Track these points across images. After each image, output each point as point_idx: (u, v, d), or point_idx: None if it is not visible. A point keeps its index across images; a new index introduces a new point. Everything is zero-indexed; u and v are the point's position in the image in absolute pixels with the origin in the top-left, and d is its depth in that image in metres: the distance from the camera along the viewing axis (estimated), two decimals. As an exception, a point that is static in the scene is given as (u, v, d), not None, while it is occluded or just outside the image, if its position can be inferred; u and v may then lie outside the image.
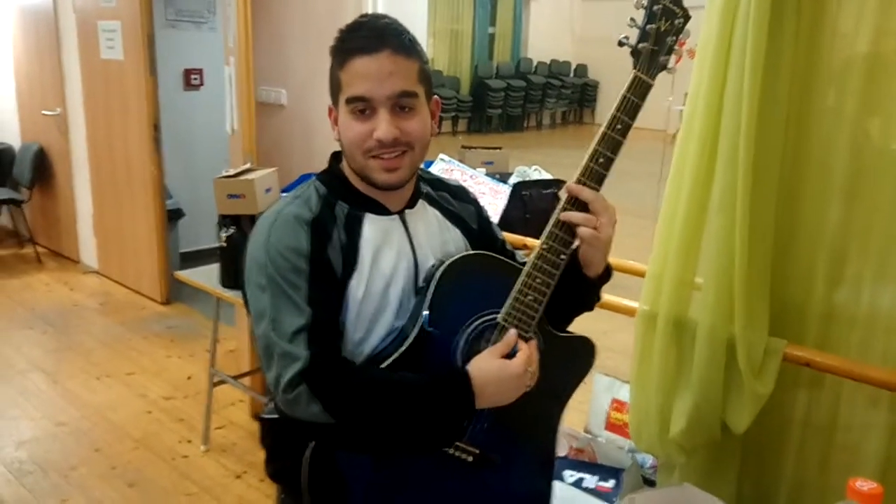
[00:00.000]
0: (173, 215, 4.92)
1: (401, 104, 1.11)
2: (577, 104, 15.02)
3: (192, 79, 5.37)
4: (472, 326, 1.17)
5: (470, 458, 1.17)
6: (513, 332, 1.14)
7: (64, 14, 4.96)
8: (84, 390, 3.52)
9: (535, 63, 14.38)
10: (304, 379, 1.05)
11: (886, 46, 1.78)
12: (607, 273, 1.25)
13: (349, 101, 1.11)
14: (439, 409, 1.10)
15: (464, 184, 1.44)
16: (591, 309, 1.33)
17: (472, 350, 1.16)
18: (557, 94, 14.53)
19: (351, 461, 1.13)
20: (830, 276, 1.86)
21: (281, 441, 1.18)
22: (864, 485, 1.20)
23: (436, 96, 1.20)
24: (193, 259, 3.89)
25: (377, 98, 1.10)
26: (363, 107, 1.11)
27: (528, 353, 1.13)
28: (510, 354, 1.13)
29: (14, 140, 5.72)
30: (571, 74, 14.94)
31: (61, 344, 4.10)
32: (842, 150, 1.81)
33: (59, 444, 3.06)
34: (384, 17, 1.17)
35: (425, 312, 1.13)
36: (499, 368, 1.11)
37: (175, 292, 4.69)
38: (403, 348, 1.13)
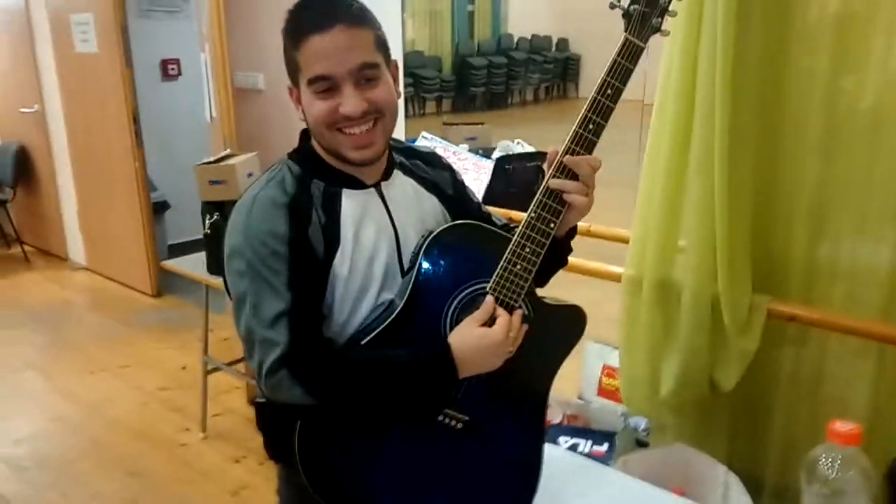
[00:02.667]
0: (159, 207, 4.89)
1: (364, 76, 1.10)
2: (559, 79, 14.97)
3: (169, 69, 5.32)
4: (460, 297, 1.17)
5: (459, 426, 1.18)
6: (489, 299, 1.14)
7: (36, 9, 4.90)
8: (79, 385, 3.53)
9: (516, 39, 14.31)
10: (284, 364, 1.06)
11: (856, 5, 1.79)
12: (574, 229, 1.25)
13: (311, 81, 1.10)
14: (422, 384, 1.11)
15: (448, 160, 1.44)
16: (565, 264, 1.32)
17: (460, 321, 1.16)
18: (540, 70, 14.47)
19: (340, 436, 1.15)
20: (811, 232, 1.88)
21: (275, 423, 1.18)
22: (844, 426, 1.22)
23: (395, 59, 1.19)
24: (182, 250, 3.88)
25: (339, 75, 1.08)
26: (326, 86, 1.09)
27: (506, 318, 1.13)
28: (490, 322, 1.13)
29: (-7, 139, 5.68)
30: (553, 49, 14.88)
31: (54, 341, 4.10)
32: (816, 108, 1.82)
33: (58, 440, 3.07)
34: None
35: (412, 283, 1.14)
36: (479, 337, 1.11)
37: (165, 284, 4.68)
38: (390, 320, 1.13)
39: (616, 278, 2.05)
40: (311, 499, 1.15)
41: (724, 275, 1.83)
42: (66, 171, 5.11)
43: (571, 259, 1.33)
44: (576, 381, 2.67)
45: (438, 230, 1.17)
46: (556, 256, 1.27)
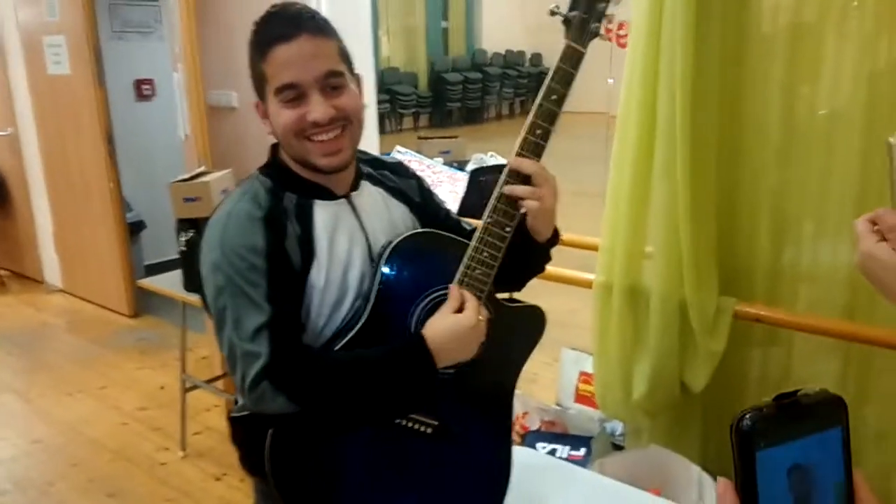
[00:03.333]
0: (135, 227, 4.87)
1: (330, 84, 1.13)
2: (534, 93, 15.09)
3: (143, 89, 5.32)
4: (424, 302, 1.20)
5: (429, 430, 1.21)
6: (454, 286, 1.17)
7: (7, 31, 4.89)
8: (57, 407, 3.50)
9: (490, 54, 14.44)
10: (266, 375, 1.07)
11: (808, 16, 1.86)
12: (554, 237, 1.28)
13: (278, 90, 1.12)
14: (402, 377, 1.13)
15: (422, 173, 1.46)
16: (542, 270, 1.36)
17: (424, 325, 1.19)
18: (514, 84, 14.61)
19: (308, 445, 1.16)
20: (774, 235, 1.94)
21: (251, 436, 1.19)
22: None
23: (358, 73, 1.22)
24: (159, 269, 3.87)
25: (306, 82, 1.11)
26: (293, 94, 1.12)
27: (475, 303, 1.16)
28: (460, 310, 1.16)
29: (-34, 163, 5.63)
30: (527, 63, 15.03)
31: (31, 364, 4.05)
32: (775, 115, 1.89)
33: (36, 462, 3.04)
34: (294, 3, 1.17)
35: (376, 287, 1.17)
36: (452, 323, 1.13)
37: (142, 304, 4.65)
38: (358, 327, 1.16)
39: (588, 285, 2.10)
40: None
41: (689, 279, 1.88)
42: (41, 193, 5.08)
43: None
44: (553, 388, 2.71)
45: (397, 239, 1.20)
46: (532, 261, 1.31)
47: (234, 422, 1.24)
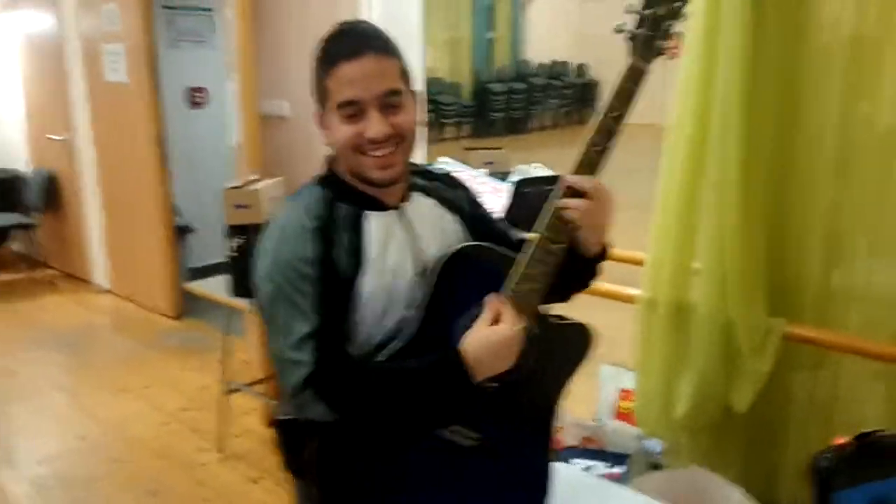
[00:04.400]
0: (182, 232, 4.98)
1: (389, 102, 1.15)
2: (578, 104, 15.03)
3: (195, 97, 5.44)
4: (472, 317, 1.19)
5: (471, 444, 1.21)
6: (491, 297, 1.16)
7: (69, 39, 5.05)
8: (102, 406, 3.58)
9: (535, 65, 14.43)
10: (309, 383, 1.10)
11: (870, 28, 1.81)
12: (604, 251, 1.27)
13: (340, 106, 1.15)
14: (439, 391, 1.14)
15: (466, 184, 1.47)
16: (587, 286, 1.35)
17: None
18: (559, 95, 14.55)
19: (355, 453, 1.17)
20: (826, 254, 1.89)
21: (295, 439, 1.22)
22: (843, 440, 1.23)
23: (417, 89, 1.24)
24: (204, 274, 3.93)
25: (366, 100, 1.14)
26: (353, 111, 1.14)
27: (511, 313, 1.15)
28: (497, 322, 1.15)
29: (23, 166, 5.82)
30: (572, 74, 14.97)
31: (78, 362, 4.16)
32: (831, 130, 1.84)
33: (80, 459, 3.12)
34: (363, 22, 1.21)
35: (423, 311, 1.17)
36: (488, 335, 1.13)
37: (187, 307, 4.75)
38: (407, 338, 1.17)
39: (629, 300, 2.07)
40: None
41: (738, 297, 1.84)
42: (93, 197, 5.23)
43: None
44: (591, 404, 2.68)
45: (450, 253, 1.20)
46: (579, 276, 1.30)
47: (279, 425, 1.26)
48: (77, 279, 5.59)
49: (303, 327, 1.11)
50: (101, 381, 3.85)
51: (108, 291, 5.29)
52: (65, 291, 5.40)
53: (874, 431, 0.39)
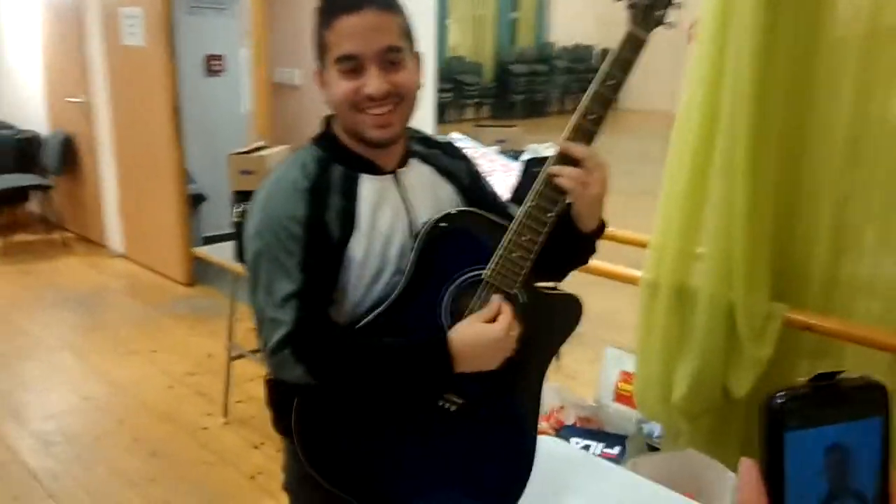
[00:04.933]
0: (195, 199, 5.00)
1: (388, 59, 1.13)
2: (600, 88, 14.92)
3: (213, 65, 5.44)
4: (458, 282, 1.19)
5: (454, 408, 1.21)
6: (496, 297, 1.16)
7: (88, 1, 5.06)
8: (110, 367, 3.63)
9: (558, 47, 14.29)
10: (288, 342, 1.10)
11: (887, 18, 1.77)
12: (600, 228, 1.25)
13: (338, 60, 1.13)
14: (417, 373, 1.14)
15: (476, 161, 1.45)
16: (585, 262, 1.33)
17: (457, 305, 1.19)
18: (581, 79, 14.42)
19: (334, 413, 1.18)
20: (833, 242, 1.86)
21: (283, 398, 1.22)
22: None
23: (418, 51, 1.22)
24: (215, 242, 3.97)
25: (365, 54, 1.12)
26: (352, 65, 1.13)
27: (509, 318, 1.15)
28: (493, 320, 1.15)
29: (42, 127, 5.86)
30: (595, 59, 14.82)
31: (89, 324, 4.22)
32: (843, 119, 1.81)
33: (86, 417, 3.16)
34: None
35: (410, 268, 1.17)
36: (479, 332, 1.13)
37: (198, 274, 4.78)
38: (389, 302, 1.16)
39: (634, 282, 2.06)
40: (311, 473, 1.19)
41: (741, 281, 1.82)
42: (109, 161, 5.26)
43: (590, 261, 1.34)
44: (594, 386, 2.68)
45: (438, 216, 1.19)
46: (575, 251, 1.29)
47: (269, 384, 1.26)
48: (92, 242, 5.65)
49: (287, 286, 1.11)
50: (111, 344, 3.90)
51: (122, 256, 5.34)
52: (79, 254, 5.46)
53: (832, 373, 0.38)
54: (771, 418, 0.44)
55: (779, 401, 0.44)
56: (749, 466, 0.46)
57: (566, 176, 1.14)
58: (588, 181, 1.14)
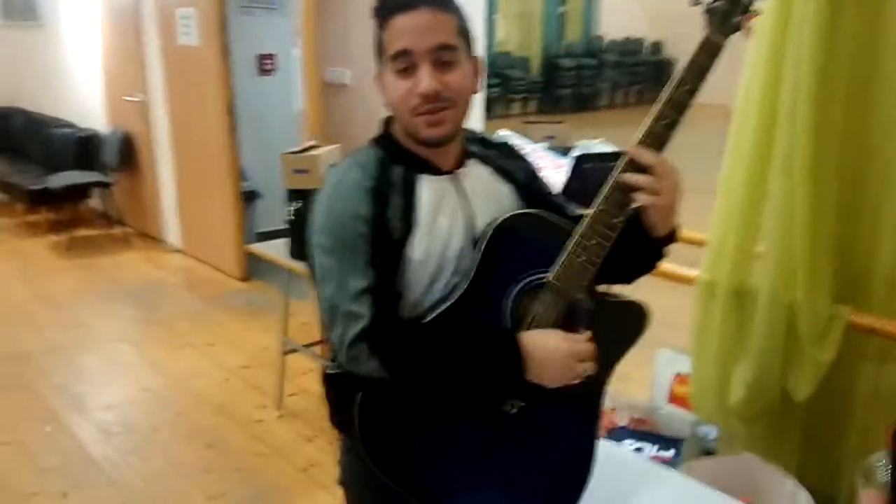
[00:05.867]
0: (249, 196, 5.10)
1: (441, 58, 1.13)
2: (651, 82, 14.64)
3: (265, 64, 5.52)
4: (521, 284, 1.19)
5: (514, 410, 1.21)
6: (587, 333, 1.16)
7: (144, 2, 5.19)
8: (167, 359, 3.73)
9: (607, 41, 14.10)
10: (365, 337, 1.11)
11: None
12: (671, 235, 1.23)
13: (393, 58, 1.14)
14: (487, 369, 1.14)
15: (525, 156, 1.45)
16: (654, 268, 1.31)
17: (519, 308, 1.19)
18: (630, 72, 14.21)
19: (397, 410, 1.19)
20: (899, 242, 1.80)
21: (341, 393, 1.24)
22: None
23: (479, 55, 1.22)
24: (270, 238, 4.04)
25: (418, 51, 1.12)
26: (405, 63, 1.13)
27: (586, 343, 1.14)
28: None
29: (101, 126, 6.04)
30: (646, 52, 14.58)
31: (147, 317, 4.34)
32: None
33: (144, 409, 3.26)
34: None
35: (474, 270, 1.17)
36: (557, 344, 1.13)
37: (252, 269, 4.87)
38: (453, 301, 1.17)
39: (688, 282, 2.02)
40: (370, 469, 1.20)
41: (803, 282, 1.78)
42: (166, 158, 5.40)
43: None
44: (646, 388, 2.64)
45: (502, 218, 1.19)
46: (644, 258, 1.27)
47: (327, 379, 1.28)
48: (150, 237, 5.81)
49: (360, 282, 1.12)
50: (168, 337, 4.01)
51: (179, 251, 5.47)
52: (138, 249, 5.61)
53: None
54: None
55: None
56: (872, 499, 0.44)
57: (635, 182, 1.13)
58: (658, 189, 1.13)
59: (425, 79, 1.12)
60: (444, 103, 1.15)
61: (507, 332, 1.16)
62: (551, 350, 1.13)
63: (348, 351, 1.13)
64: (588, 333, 1.16)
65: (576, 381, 1.16)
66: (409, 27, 1.12)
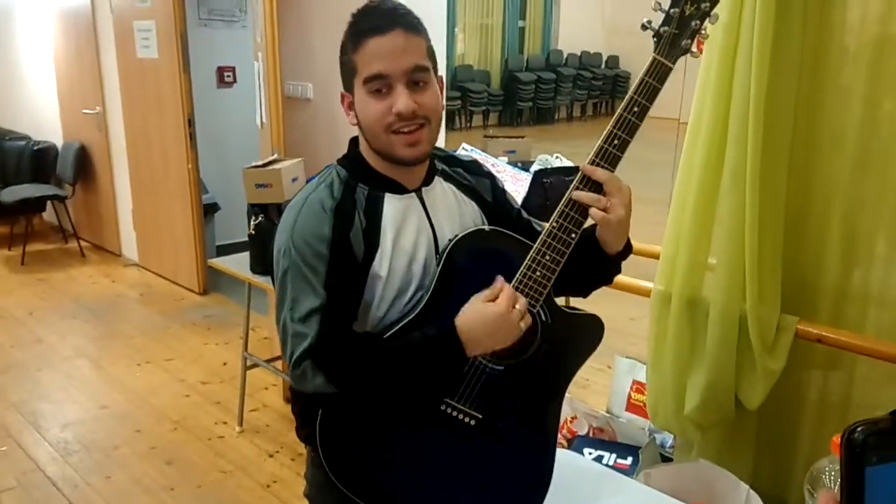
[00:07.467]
0: (209, 209, 5.06)
1: (415, 79, 1.16)
2: (608, 96, 14.93)
3: (224, 76, 5.50)
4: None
5: (472, 422, 1.23)
6: (499, 278, 1.18)
7: (101, 15, 5.13)
8: (126, 375, 3.67)
9: (565, 55, 14.34)
10: (309, 355, 1.13)
11: (892, 28, 1.79)
12: (626, 250, 1.28)
13: (367, 80, 1.16)
14: (433, 362, 1.17)
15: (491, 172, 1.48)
16: (609, 282, 1.36)
17: None
18: (588, 86, 14.46)
19: (357, 426, 1.21)
20: (843, 254, 1.88)
21: (307, 407, 1.25)
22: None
23: (440, 74, 1.25)
24: (230, 251, 4.02)
25: (394, 74, 1.15)
26: (380, 85, 1.16)
27: (510, 292, 1.16)
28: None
29: (57, 138, 5.93)
30: (602, 66, 14.85)
31: (104, 332, 4.27)
32: (853, 129, 1.83)
33: (103, 426, 3.20)
34: (390, 0, 1.21)
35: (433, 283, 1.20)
36: (481, 309, 1.15)
37: (212, 283, 4.83)
38: (413, 315, 1.19)
39: (646, 294, 2.08)
40: (335, 482, 1.22)
41: (752, 293, 1.84)
42: (123, 171, 5.32)
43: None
44: (605, 395, 2.70)
45: (462, 234, 1.22)
46: (599, 272, 1.32)
47: (293, 393, 1.30)
48: (106, 251, 5.71)
49: (311, 302, 1.14)
50: (126, 352, 3.95)
51: (136, 265, 5.39)
52: (94, 263, 5.52)
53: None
54: (850, 453, 0.44)
55: (858, 435, 0.44)
56: (827, 499, 0.46)
57: (587, 199, 1.17)
58: (609, 205, 1.17)
59: (402, 99, 1.15)
60: (421, 120, 1.17)
61: (441, 323, 1.17)
62: (481, 315, 1.15)
63: (294, 369, 1.15)
64: (501, 280, 1.17)
65: (522, 332, 1.17)
66: (385, 50, 1.14)
